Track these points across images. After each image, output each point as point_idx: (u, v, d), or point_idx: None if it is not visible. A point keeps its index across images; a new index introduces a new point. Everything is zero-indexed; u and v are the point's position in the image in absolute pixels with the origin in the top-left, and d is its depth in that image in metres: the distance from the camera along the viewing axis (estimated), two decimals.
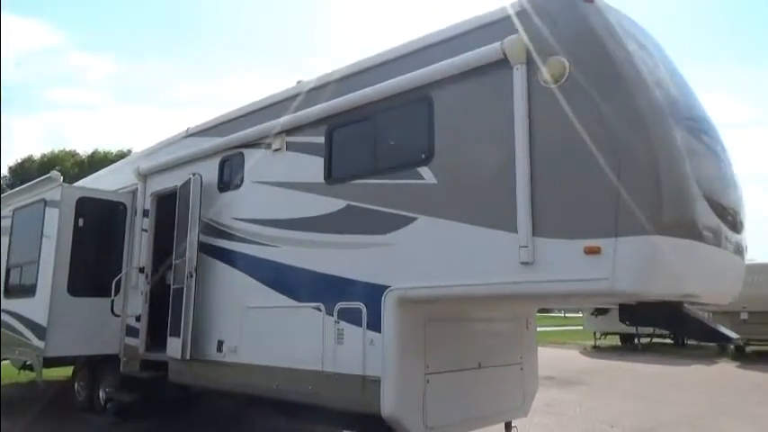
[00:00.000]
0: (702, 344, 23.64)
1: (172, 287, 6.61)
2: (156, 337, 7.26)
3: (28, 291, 7.44)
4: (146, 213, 7.50)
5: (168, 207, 7.53)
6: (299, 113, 5.54)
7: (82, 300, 7.14)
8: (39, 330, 6.92)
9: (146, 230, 7.44)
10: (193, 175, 6.34)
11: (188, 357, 5.98)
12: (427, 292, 4.33)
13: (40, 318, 6.90)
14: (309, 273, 5.21)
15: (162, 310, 7.38)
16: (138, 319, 7.20)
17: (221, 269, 6.16)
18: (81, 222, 7.21)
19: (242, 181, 6.12)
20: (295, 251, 5.37)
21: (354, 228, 4.89)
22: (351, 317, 4.78)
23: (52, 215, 7.16)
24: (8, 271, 8.10)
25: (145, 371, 7.02)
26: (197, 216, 6.24)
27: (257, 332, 5.61)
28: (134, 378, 6.98)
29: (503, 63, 4.06)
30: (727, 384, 11.44)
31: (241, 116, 6.31)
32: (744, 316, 15.49)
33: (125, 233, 7.63)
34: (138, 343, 7.15)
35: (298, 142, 5.59)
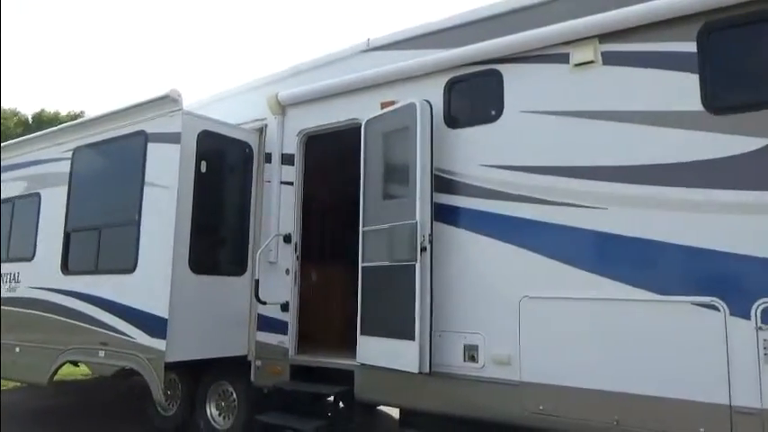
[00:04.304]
0: None
1: (361, 265, 4.58)
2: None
3: (117, 265, 5.11)
4: (286, 160, 5.34)
5: (318, 151, 5.45)
6: (633, 9, 3.64)
7: (205, 279, 4.95)
8: (151, 324, 4.65)
9: (288, 183, 5.28)
10: (418, 101, 4.27)
11: (428, 370, 4.01)
12: None
13: (154, 305, 4.63)
14: (683, 250, 3.37)
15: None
16: (284, 307, 5.09)
17: (464, 240, 4.19)
18: (204, 167, 4.97)
19: (500, 111, 4.15)
20: (643, 216, 3.51)
21: None
22: None
23: (164, 155, 4.83)
24: (67, 236, 5.66)
25: (296, 381, 4.98)
26: (428, 162, 4.21)
27: (556, 336, 3.73)
28: (292, 394, 4.89)
29: None
30: None
31: (489, 17, 4.30)
32: None
33: (251, 186, 5.42)
34: (286, 341, 5.05)
35: (631, 52, 3.68)
